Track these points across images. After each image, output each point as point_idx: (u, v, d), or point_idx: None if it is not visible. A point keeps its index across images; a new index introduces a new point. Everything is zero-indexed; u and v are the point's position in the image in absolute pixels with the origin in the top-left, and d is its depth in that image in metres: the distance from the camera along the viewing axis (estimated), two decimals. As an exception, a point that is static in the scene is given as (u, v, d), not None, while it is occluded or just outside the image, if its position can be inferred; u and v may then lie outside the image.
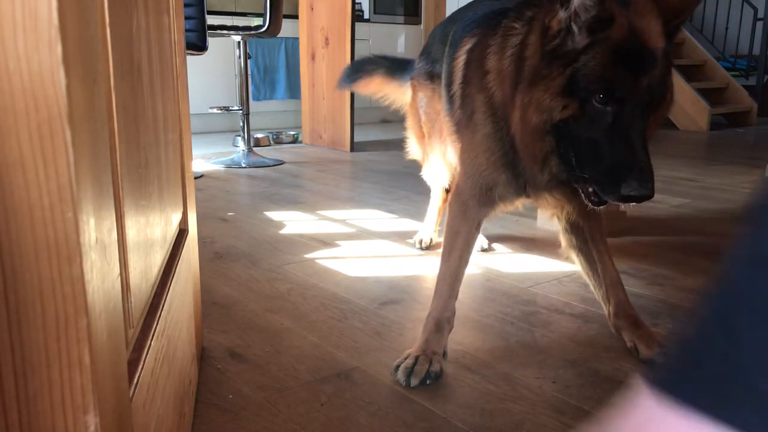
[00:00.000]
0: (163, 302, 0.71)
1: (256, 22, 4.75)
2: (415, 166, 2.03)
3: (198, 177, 3.15)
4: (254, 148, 3.81)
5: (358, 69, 2.15)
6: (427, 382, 1.16)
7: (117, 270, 0.48)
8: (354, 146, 4.19)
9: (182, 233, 1.05)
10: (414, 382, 1.15)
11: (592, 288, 1.36)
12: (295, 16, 4.73)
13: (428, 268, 1.85)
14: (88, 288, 0.39)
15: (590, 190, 1.06)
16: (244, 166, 3.57)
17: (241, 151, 3.68)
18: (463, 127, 1.26)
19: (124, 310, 0.52)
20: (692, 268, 1.83)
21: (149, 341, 0.61)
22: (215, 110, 4.33)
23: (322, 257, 1.93)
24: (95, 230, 0.41)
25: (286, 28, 4.36)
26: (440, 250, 1.34)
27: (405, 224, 2.33)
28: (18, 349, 0.38)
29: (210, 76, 4.88)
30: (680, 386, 0.30)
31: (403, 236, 2.15)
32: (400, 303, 1.58)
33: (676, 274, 1.78)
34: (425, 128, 1.77)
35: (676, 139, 4.88)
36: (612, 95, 0.96)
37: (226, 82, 5.05)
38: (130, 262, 0.55)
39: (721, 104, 5.70)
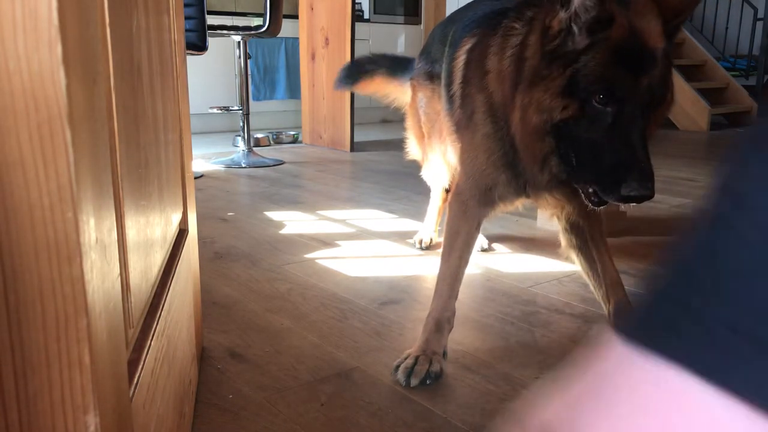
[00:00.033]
0: (163, 302, 0.71)
1: (256, 22, 4.75)
2: (415, 166, 2.03)
3: (198, 177, 3.15)
4: (254, 148, 3.81)
5: (358, 70, 2.15)
6: (427, 382, 1.16)
7: (117, 270, 0.48)
8: (354, 146, 4.19)
9: (182, 233, 1.05)
10: (414, 382, 1.15)
11: (592, 288, 1.36)
12: (295, 16, 4.73)
13: (428, 268, 1.85)
14: (88, 288, 0.39)
15: (590, 190, 1.06)
16: (244, 166, 3.57)
17: (241, 151, 3.68)
18: (462, 127, 1.27)
19: (124, 310, 0.52)
20: (692, 268, 1.83)
21: (149, 341, 0.61)
22: (215, 110, 4.33)
23: (322, 257, 1.94)
24: (95, 230, 0.41)
25: (286, 28, 4.36)
26: (440, 250, 1.34)
27: (405, 224, 2.33)
28: (18, 349, 0.38)
29: (210, 76, 4.88)
30: (645, 332, 0.30)
31: (403, 236, 2.15)
32: (400, 303, 1.58)
33: (676, 274, 1.78)
34: (425, 128, 1.77)
35: (676, 139, 4.88)
36: (612, 95, 0.97)
37: (226, 82, 5.05)
38: (130, 262, 0.55)
39: (721, 104, 5.70)
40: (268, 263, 1.87)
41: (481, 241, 1.97)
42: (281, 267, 1.83)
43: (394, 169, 3.46)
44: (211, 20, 3.24)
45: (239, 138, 3.81)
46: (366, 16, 5.80)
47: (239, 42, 3.63)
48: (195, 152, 3.52)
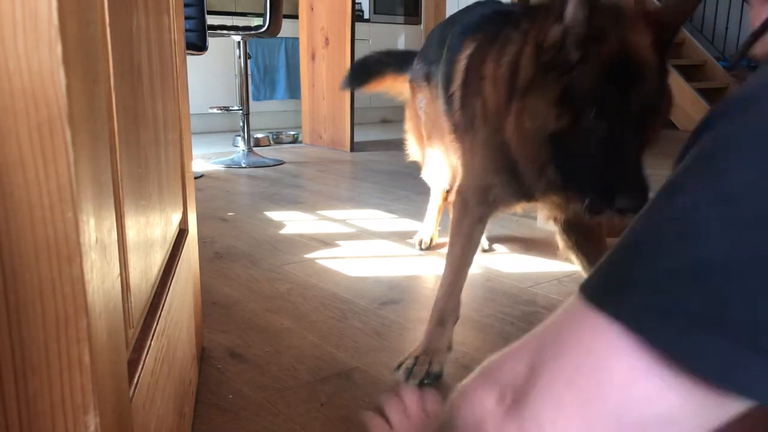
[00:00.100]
0: (163, 302, 0.71)
1: (256, 22, 4.75)
2: (415, 166, 2.03)
3: (198, 177, 3.15)
4: (254, 148, 3.81)
5: (366, 70, 2.14)
6: (425, 382, 1.16)
7: (117, 270, 0.48)
8: (354, 146, 4.18)
9: (182, 233, 1.05)
10: (412, 382, 1.16)
11: None
12: (295, 16, 4.73)
13: (428, 268, 1.85)
14: (88, 288, 0.39)
15: (586, 201, 1.06)
16: (244, 166, 3.57)
17: (241, 151, 3.68)
18: (462, 129, 1.27)
19: (124, 310, 0.52)
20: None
21: (149, 341, 0.61)
22: (215, 110, 4.33)
23: (322, 257, 1.93)
24: (95, 230, 0.41)
25: (286, 28, 4.35)
26: (441, 250, 1.35)
27: (405, 224, 2.33)
28: (18, 349, 0.38)
29: (210, 76, 4.88)
30: (605, 298, 0.36)
31: (403, 236, 2.15)
32: (400, 303, 1.58)
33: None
34: (425, 128, 1.77)
35: (676, 139, 4.85)
36: (604, 110, 0.97)
37: (226, 82, 5.05)
38: (130, 262, 0.55)
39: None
40: (268, 263, 1.86)
41: (481, 241, 1.97)
42: (281, 267, 1.83)
43: (394, 169, 3.46)
44: (211, 20, 3.24)
45: (239, 138, 3.81)
46: (366, 16, 5.80)
47: (239, 42, 3.62)
48: (195, 152, 3.52)
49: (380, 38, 5.72)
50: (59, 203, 0.37)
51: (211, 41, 3.14)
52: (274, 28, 3.46)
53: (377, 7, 5.85)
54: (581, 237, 1.32)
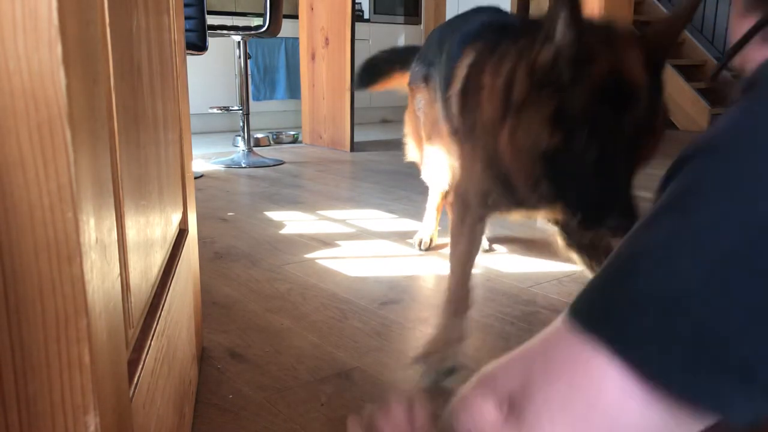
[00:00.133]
0: (163, 302, 0.71)
1: (256, 22, 4.75)
2: (416, 166, 2.03)
3: (198, 177, 3.15)
4: (254, 148, 3.81)
5: (374, 70, 2.13)
6: (439, 379, 1.17)
7: (117, 270, 0.48)
8: (354, 146, 4.18)
9: (182, 233, 1.05)
10: (427, 380, 1.17)
11: None
12: (295, 16, 4.73)
13: (428, 268, 1.85)
14: (88, 288, 0.39)
15: (577, 217, 1.07)
16: (244, 166, 3.57)
17: (241, 151, 3.68)
18: (460, 134, 1.28)
19: (124, 310, 0.52)
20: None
21: (149, 341, 0.61)
22: (215, 110, 4.33)
23: (322, 257, 1.94)
24: (95, 230, 0.41)
25: (286, 28, 4.35)
26: (441, 251, 1.35)
27: (405, 224, 2.33)
28: (18, 349, 0.38)
29: (210, 76, 4.88)
30: (595, 324, 0.40)
31: (403, 236, 2.15)
32: (400, 303, 1.58)
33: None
34: (424, 129, 1.77)
35: (676, 139, 4.87)
36: (596, 130, 0.97)
37: (226, 82, 5.05)
38: (130, 262, 0.55)
39: (721, 104, 5.70)
40: (268, 263, 1.86)
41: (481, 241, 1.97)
42: (281, 267, 1.83)
43: (394, 169, 3.46)
44: (211, 20, 3.24)
45: (239, 138, 3.81)
46: (366, 16, 5.80)
47: (239, 42, 3.62)
48: (195, 152, 3.52)
49: (380, 38, 5.72)
50: (59, 203, 0.37)
51: (211, 41, 3.14)
52: (274, 28, 3.46)
53: (377, 7, 5.85)
54: (582, 236, 1.33)
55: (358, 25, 4.51)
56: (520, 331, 1.41)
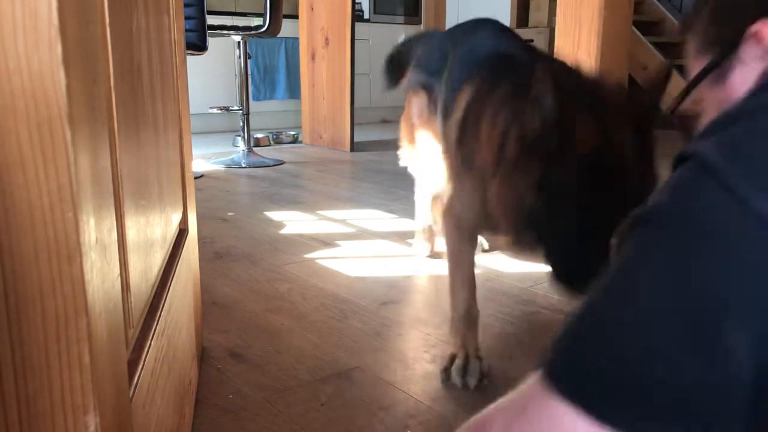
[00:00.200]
0: (163, 302, 0.71)
1: (256, 22, 4.74)
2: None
3: (198, 177, 3.15)
4: (254, 148, 3.81)
5: (399, 67, 2.08)
6: (484, 381, 1.17)
7: (117, 270, 0.48)
8: (354, 146, 4.19)
9: (182, 233, 1.05)
10: (472, 382, 1.17)
11: None
12: (295, 16, 4.72)
13: (428, 268, 1.85)
14: (88, 288, 0.39)
15: (551, 273, 1.08)
16: (244, 166, 3.57)
17: (241, 151, 3.68)
18: (455, 161, 1.27)
19: (124, 310, 0.52)
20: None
21: (149, 341, 0.61)
22: (215, 110, 4.33)
23: (322, 257, 1.94)
24: (95, 230, 0.41)
25: (286, 28, 4.35)
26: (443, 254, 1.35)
27: (405, 224, 2.33)
28: (18, 349, 0.38)
29: (210, 76, 4.88)
30: (565, 385, 0.44)
31: (403, 236, 2.15)
32: (400, 303, 1.58)
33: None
34: (420, 137, 1.73)
35: (677, 138, 4.87)
36: (580, 199, 0.97)
37: (226, 82, 5.05)
38: (130, 262, 0.55)
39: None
40: (268, 263, 1.87)
41: (481, 241, 1.96)
42: (281, 267, 1.83)
43: (394, 169, 3.46)
44: (211, 20, 3.23)
45: (239, 138, 3.81)
46: (366, 16, 5.80)
47: (239, 42, 3.62)
48: (195, 152, 3.52)
49: (380, 38, 5.72)
50: (59, 203, 0.37)
51: (211, 41, 3.14)
52: (274, 28, 3.46)
53: (377, 7, 5.85)
54: None
55: (358, 25, 4.51)
56: (520, 331, 1.41)
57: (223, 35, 3.57)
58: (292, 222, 2.37)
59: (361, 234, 2.22)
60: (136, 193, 0.60)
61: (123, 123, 0.54)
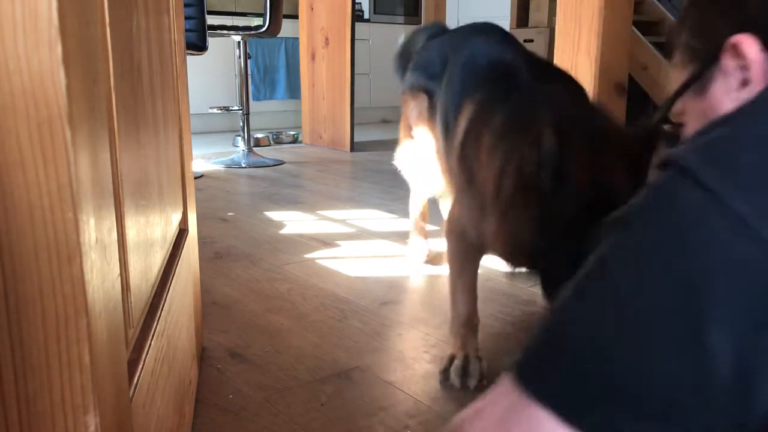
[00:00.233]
0: (163, 302, 0.71)
1: (256, 22, 4.74)
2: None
3: (198, 177, 3.15)
4: (254, 148, 3.81)
5: (409, 58, 2.04)
6: (484, 381, 1.16)
7: (117, 270, 0.48)
8: (354, 146, 4.19)
9: (182, 233, 1.05)
10: (472, 382, 1.16)
11: None
12: (295, 16, 4.73)
13: (429, 268, 1.84)
14: (88, 288, 0.39)
15: (548, 302, 1.09)
16: (244, 166, 3.57)
17: (241, 151, 3.68)
18: (458, 177, 1.26)
19: (124, 310, 0.52)
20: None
21: (149, 341, 0.61)
22: (215, 110, 4.33)
23: (322, 257, 1.94)
24: (95, 230, 0.41)
25: (286, 28, 4.35)
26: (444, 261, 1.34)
27: (405, 224, 2.33)
28: (18, 349, 0.38)
29: (210, 76, 4.88)
30: (524, 372, 0.46)
31: (403, 236, 2.15)
32: (400, 303, 1.58)
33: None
34: (418, 138, 1.72)
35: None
36: (576, 239, 0.97)
37: (226, 82, 5.05)
38: (130, 262, 0.55)
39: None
40: (268, 263, 1.87)
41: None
42: (281, 267, 1.83)
43: (394, 169, 3.45)
44: (211, 20, 3.23)
45: (239, 138, 3.81)
46: (366, 16, 5.80)
47: (239, 42, 3.62)
48: (195, 152, 3.52)
49: (380, 38, 5.72)
50: (59, 203, 0.37)
51: (211, 41, 3.14)
52: (274, 28, 3.46)
53: (377, 7, 5.85)
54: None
55: (358, 25, 4.51)
56: (520, 331, 1.41)
57: (223, 35, 3.57)
58: (292, 222, 2.37)
59: (361, 234, 2.22)
60: (136, 193, 0.60)
61: (123, 123, 0.54)
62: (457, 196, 1.29)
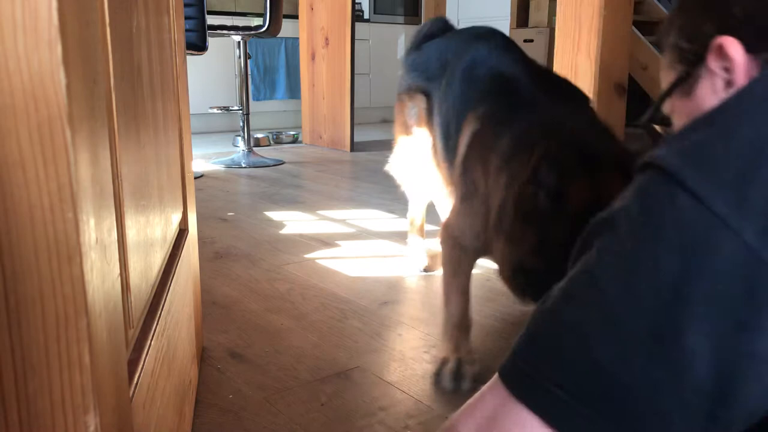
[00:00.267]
0: (163, 302, 0.71)
1: (256, 22, 4.75)
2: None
3: (198, 177, 3.15)
4: (254, 148, 3.81)
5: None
6: (475, 385, 1.15)
7: (117, 270, 0.48)
8: (354, 146, 4.18)
9: (182, 233, 1.05)
10: (466, 385, 1.15)
11: None
12: (295, 16, 4.72)
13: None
14: (88, 288, 0.39)
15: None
16: (244, 166, 3.57)
17: (241, 151, 3.68)
18: (460, 188, 1.26)
19: (124, 310, 0.52)
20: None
21: (149, 341, 0.61)
22: (215, 110, 4.33)
23: (322, 257, 1.93)
24: (95, 230, 0.41)
25: (286, 28, 4.35)
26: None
27: (405, 224, 2.32)
28: (18, 349, 0.38)
29: (210, 76, 4.87)
30: (509, 376, 0.47)
31: (403, 236, 2.15)
32: (400, 303, 1.58)
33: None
34: (415, 141, 1.69)
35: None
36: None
37: (226, 82, 5.04)
38: (130, 262, 0.55)
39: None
40: (268, 263, 1.86)
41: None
42: (281, 267, 1.83)
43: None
44: (211, 20, 3.23)
45: (239, 138, 3.81)
46: (366, 16, 5.80)
47: (239, 42, 3.62)
48: (195, 152, 3.52)
49: (380, 38, 5.72)
50: (59, 203, 0.37)
51: (211, 41, 3.14)
52: (274, 28, 3.46)
53: (377, 7, 5.85)
54: None
55: (358, 25, 4.51)
56: (520, 331, 1.41)
57: (223, 35, 3.57)
58: (292, 222, 2.37)
59: (361, 234, 2.22)
60: (136, 193, 0.60)
61: (123, 123, 0.54)
62: (457, 205, 1.28)
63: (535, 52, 4.50)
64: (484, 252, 1.28)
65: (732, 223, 0.39)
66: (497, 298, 1.60)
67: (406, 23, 6.02)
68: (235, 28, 3.58)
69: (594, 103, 1.27)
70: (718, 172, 0.41)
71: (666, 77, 0.67)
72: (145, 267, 0.64)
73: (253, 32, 3.52)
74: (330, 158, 3.92)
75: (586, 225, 0.50)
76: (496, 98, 1.24)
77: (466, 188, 1.23)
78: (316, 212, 2.52)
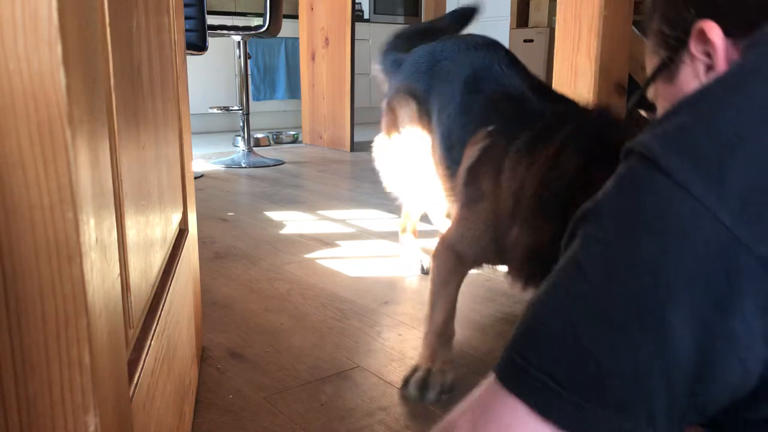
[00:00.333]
0: (163, 302, 0.71)
1: (256, 22, 4.75)
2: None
3: (198, 177, 3.15)
4: (254, 148, 3.81)
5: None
6: (442, 396, 1.12)
7: (117, 270, 0.48)
8: (354, 146, 4.18)
9: (182, 233, 1.05)
10: (431, 396, 1.12)
11: None
12: (295, 16, 4.72)
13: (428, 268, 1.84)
14: (88, 288, 0.39)
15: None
16: (244, 166, 3.57)
17: (241, 151, 3.68)
18: (463, 196, 1.25)
19: (124, 310, 0.52)
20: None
21: (149, 341, 0.61)
22: (215, 110, 4.33)
23: (322, 257, 1.93)
24: (95, 230, 0.41)
25: (286, 28, 4.35)
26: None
27: (405, 224, 2.33)
28: (18, 349, 0.38)
29: (210, 76, 4.87)
30: (514, 384, 0.46)
31: (403, 236, 2.15)
32: (400, 303, 1.58)
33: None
34: (409, 148, 1.65)
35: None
36: None
37: (226, 82, 5.04)
38: (130, 262, 0.55)
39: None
40: (268, 263, 1.86)
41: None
42: (281, 267, 1.83)
43: (394, 169, 3.46)
44: (211, 20, 3.23)
45: (239, 138, 3.81)
46: (366, 16, 5.80)
47: (239, 42, 3.62)
48: (195, 152, 3.52)
49: (380, 38, 5.69)
50: (59, 203, 0.37)
51: (211, 41, 3.13)
52: (274, 28, 3.46)
53: (377, 7, 5.85)
54: None
55: (358, 25, 4.51)
56: (520, 331, 1.41)
57: (223, 35, 3.57)
58: (292, 222, 2.37)
59: (361, 234, 2.22)
60: (136, 193, 0.60)
61: (123, 123, 0.54)
62: (459, 212, 1.26)
63: (535, 52, 4.50)
64: (481, 260, 1.26)
65: (711, 206, 0.40)
66: (497, 298, 1.60)
67: (406, 23, 6.02)
68: (235, 28, 3.58)
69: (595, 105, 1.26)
70: (698, 157, 0.42)
71: (650, 62, 0.68)
72: (145, 267, 0.64)
73: (253, 32, 3.52)
74: (330, 158, 3.92)
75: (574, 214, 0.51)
76: (508, 117, 1.22)
77: (472, 194, 1.22)
78: (316, 212, 2.53)
